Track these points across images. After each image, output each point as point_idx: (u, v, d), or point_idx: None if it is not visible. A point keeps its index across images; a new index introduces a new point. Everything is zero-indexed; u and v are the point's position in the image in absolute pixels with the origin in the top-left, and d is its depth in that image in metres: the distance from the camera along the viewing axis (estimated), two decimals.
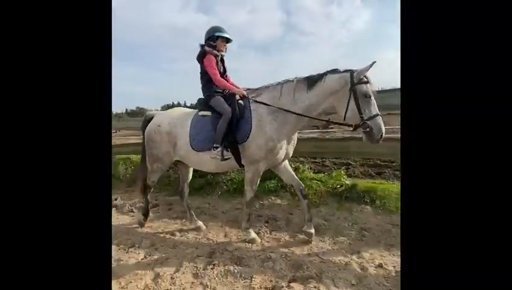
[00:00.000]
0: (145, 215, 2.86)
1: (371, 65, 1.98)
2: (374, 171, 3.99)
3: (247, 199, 2.44)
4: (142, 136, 2.87)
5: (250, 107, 2.32)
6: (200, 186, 3.82)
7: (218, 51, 2.46)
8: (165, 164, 2.70)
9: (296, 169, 3.46)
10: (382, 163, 4.29)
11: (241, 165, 2.43)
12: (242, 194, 3.54)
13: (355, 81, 1.98)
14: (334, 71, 2.13)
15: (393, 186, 3.06)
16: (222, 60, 2.52)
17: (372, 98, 1.99)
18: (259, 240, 2.38)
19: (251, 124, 2.26)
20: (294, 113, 2.18)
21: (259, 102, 2.30)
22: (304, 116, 2.19)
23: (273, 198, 3.34)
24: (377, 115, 1.97)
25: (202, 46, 2.47)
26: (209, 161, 2.35)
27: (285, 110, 2.20)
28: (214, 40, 2.45)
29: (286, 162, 2.58)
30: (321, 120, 2.55)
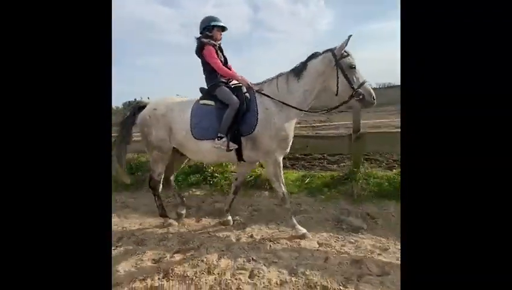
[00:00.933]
0: (162, 215, 2.78)
1: (348, 39, 2.14)
2: (289, 163, 4.58)
3: (280, 195, 2.42)
4: (126, 128, 2.80)
5: (256, 100, 2.37)
6: (130, 183, 4.09)
7: (215, 40, 2.50)
8: (163, 151, 2.62)
9: (221, 165, 3.90)
10: (299, 156, 4.91)
11: (240, 159, 2.45)
12: (165, 189, 3.90)
13: (337, 57, 2.17)
14: (315, 55, 2.28)
15: (293, 175, 3.65)
16: (221, 49, 2.56)
17: (357, 67, 2.18)
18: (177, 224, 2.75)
19: (257, 117, 2.30)
20: (296, 108, 2.31)
21: (265, 95, 2.37)
22: (304, 110, 2.35)
23: (193, 190, 3.74)
24: (364, 81, 2.15)
25: (198, 38, 2.50)
26: (210, 150, 2.36)
27: (287, 104, 2.31)
28: (210, 29, 2.49)
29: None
30: (319, 111, 2.68)
